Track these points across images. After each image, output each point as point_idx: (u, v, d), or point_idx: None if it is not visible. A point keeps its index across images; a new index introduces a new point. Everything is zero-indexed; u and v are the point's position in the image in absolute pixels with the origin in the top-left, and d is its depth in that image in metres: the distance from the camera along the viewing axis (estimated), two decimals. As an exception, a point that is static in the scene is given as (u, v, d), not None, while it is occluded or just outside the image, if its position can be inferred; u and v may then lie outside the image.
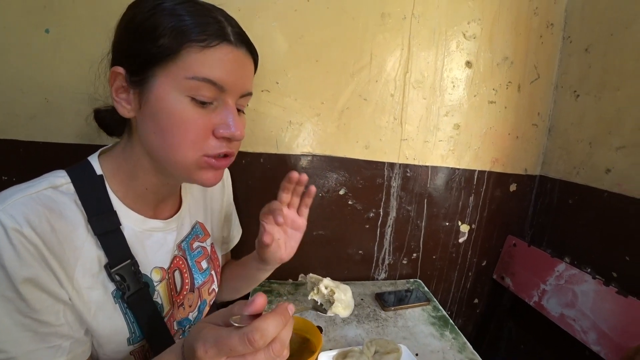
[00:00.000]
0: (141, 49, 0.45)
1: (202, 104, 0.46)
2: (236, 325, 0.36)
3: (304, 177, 0.61)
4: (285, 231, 0.65)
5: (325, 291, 0.60)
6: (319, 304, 0.59)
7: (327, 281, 0.63)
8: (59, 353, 0.46)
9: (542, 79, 1.11)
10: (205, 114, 0.47)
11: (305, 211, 0.65)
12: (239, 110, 0.52)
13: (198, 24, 0.44)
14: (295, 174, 0.60)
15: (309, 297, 0.62)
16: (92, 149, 0.56)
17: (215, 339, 0.35)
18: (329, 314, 0.55)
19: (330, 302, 0.58)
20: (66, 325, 0.46)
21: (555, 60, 1.12)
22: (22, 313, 0.42)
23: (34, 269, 0.42)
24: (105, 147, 0.56)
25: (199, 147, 0.48)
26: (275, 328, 0.35)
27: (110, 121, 0.57)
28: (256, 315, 0.36)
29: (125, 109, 0.48)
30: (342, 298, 0.62)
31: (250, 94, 0.52)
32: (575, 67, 1.06)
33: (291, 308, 0.38)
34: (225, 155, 0.51)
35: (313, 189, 0.63)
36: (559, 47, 1.11)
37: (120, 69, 0.46)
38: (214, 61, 0.45)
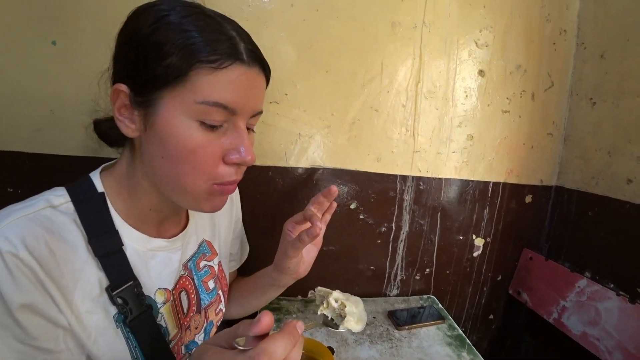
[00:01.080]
0: (145, 69, 0.42)
1: (212, 127, 0.44)
2: (240, 348, 0.33)
3: (337, 192, 0.59)
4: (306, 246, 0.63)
5: (335, 305, 0.58)
6: (329, 318, 0.57)
7: (336, 294, 0.60)
8: None
9: (556, 87, 1.08)
10: (215, 139, 0.44)
11: (323, 228, 0.63)
12: (248, 129, 0.49)
13: (208, 41, 0.41)
14: (335, 188, 0.58)
15: (319, 312, 0.59)
16: (96, 161, 0.55)
17: None
18: (341, 329, 0.52)
19: (342, 317, 0.55)
20: (66, 351, 0.44)
21: (569, 67, 1.09)
22: (20, 340, 0.40)
23: (31, 294, 0.40)
24: (107, 164, 0.54)
25: (209, 175, 0.46)
26: (284, 349, 0.32)
27: (110, 133, 0.54)
28: (263, 336, 0.33)
29: (129, 129, 0.45)
30: (354, 311, 0.59)
31: (261, 112, 0.50)
32: (591, 73, 1.03)
33: (300, 326, 0.35)
34: (234, 181, 0.49)
35: (334, 204, 0.62)
36: (572, 54, 1.08)
37: (123, 87, 0.43)
38: (225, 84, 0.42)
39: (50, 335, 0.42)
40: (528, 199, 1.12)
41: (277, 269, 0.64)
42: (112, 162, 0.54)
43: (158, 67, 0.41)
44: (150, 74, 0.42)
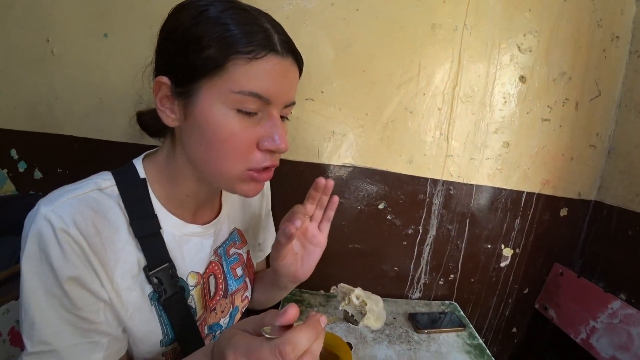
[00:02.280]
0: (186, 61, 0.44)
1: (248, 115, 0.46)
2: (267, 336, 0.35)
3: (330, 183, 0.57)
4: (304, 246, 0.60)
5: (356, 302, 0.58)
6: (350, 314, 0.57)
7: (358, 291, 0.61)
8: (97, 348, 0.47)
9: (604, 97, 1.03)
10: (250, 126, 0.46)
11: (327, 226, 0.60)
12: (282, 117, 0.51)
13: (244, 33, 0.43)
14: (322, 179, 0.56)
15: (340, 308, 0.59)
16: (138, 148, 0.58)
17: (246, 349, 0.35)
18: (360, 326, 0.52)
19: (362, 314, 0.55)
20: (105, 323, 0.48)
21: (620, 77, 1.03)
22: (66, 309, 0.44)
23: (78, 268, 0.44)
24: (149, 151, 0.58)
25: (244, 160, 0.48)
26: (308, 341, 0.34)
27: (152, 124, 0.57)
28: (288, 326, 0.35)
29: (170, 118, 0.48)
30: (374, 309, 0.60)
31: (294, 103, 0.51)
32: (643, 84, 0.98)
33: (323, 320, 0.37)
34: (268, 168, 0.50)
35: (336, 199, 0.58)
36: (624, 62, 1.02)
37: (164, 79, 0.46)
38: (261, 74, 0.44)
39: (93, 307, 0.46)
40: (563, 212, 1.07)
41: (272, 270, 0.62)
42: (153, 150, 0.58)
43: (197, 59, 0.43)
44: (190, 66, 0.44)
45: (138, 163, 0.55)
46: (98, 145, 0.96)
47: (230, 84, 0.43)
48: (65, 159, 0.99)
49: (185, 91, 0.46)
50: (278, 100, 0.47)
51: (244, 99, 0.44)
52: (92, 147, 0.97)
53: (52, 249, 0.42)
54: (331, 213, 0.59)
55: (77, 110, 0.95)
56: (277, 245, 0.55)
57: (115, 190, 0.50)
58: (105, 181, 0.50)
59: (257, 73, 0.44)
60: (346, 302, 0.60)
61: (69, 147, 0.97)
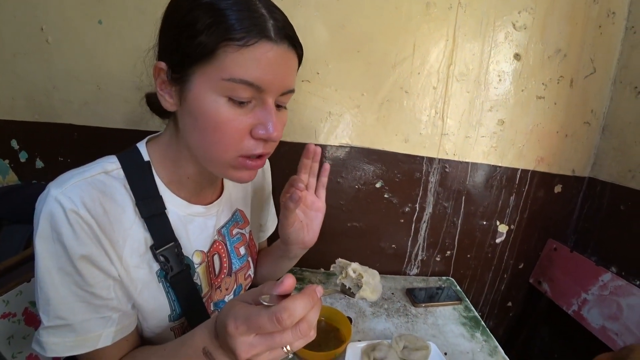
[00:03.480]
0: (180, 47, 0.44)
1: (240, 103, 0.46)
2: (265, 304, 0.37)
3: (319, 150, 0.59)
4: (306, 213, 0.63)
5: (353, 275, 0.60)
6: (347, 287, 0.59)
7: (355, 265, 0.63)
8: (109, 323, 0.50)
9: (599, 74, 1.03)
10: (242, 114, 0.46)
11: (323, 192, 0.64)
12: (279, 106, 0.50)
13: (237, 19, 0.42)
14: (311, 145, 0.59)
15: (338, 281, 0.62)
16: (138, 134, 0.59)
17: (245, 317, 0.37)
18: (357, 297, 0.55)
19: (359, 286, 0.57)
20: (116, 299, 0.50)
21: (615, 53, 1.03)
22: (79, 286, 0.46)
23: (89, 247, 0.46)
24: (153, 135, 0.59)
25: (235, 147, 0.48)
26: (303, 309, 0.36)
27: (159, 106, 0.57)
28: (285, 296, 0.37)
29: (168, 103, 0.49)
30: (370, 282, 0.61)
31: (292, 90, 0.50)
32: (638, 60, 0.98)
33: (319, 290, 0.39)
34: (261, 155, 0.51)
35: (327, 166, 0.62)
36: (620, 39, 1.02)
37: (162, 64, 0.47)
38: (251, 61, 0.43)
39: (104, 284, 0.48)
40: (557, 188, 1.09)
41: (282, 240, 0.66)
42: (156, 134, 0.59)
43: (190, 46, 0.43)
44: (183, 52, 0.44)
45: (142, 146, 0.56)
46: (98, 133, 0.97)
47: (220, 71, 0.43)
48: (65, 147, 1.00)
49: (180, 77, 0.46)
50: (272, 88, 0.46)
51: (234, 87, 0.44)
52: (92, 135, 0.98)
53: (64, 228, 0.44)
54: (325, 180, 0.62)
55: (75, 98, 0.96)
56: (286, 212, 0.58)
57: (120, 172, 0.52)
58: (111, 164, 0.52)
59: (248, 60, 0.43)
60: (343, 275, 0.62)
61: (68, 135, 0.98)
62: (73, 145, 1.00)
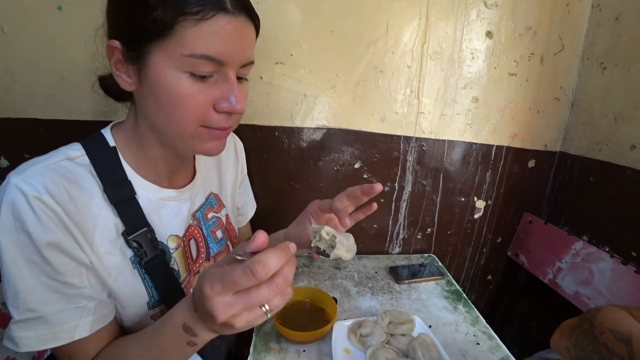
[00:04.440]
0: (134, 24, 0.43)
1: (202, 78, 0.45)
2: (239, 258, 0.37)
3: (379, 188, 0.57)
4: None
5: (326, 237, 0.60)
6: (322, 249, 0.59)
7: (327, 228, 0.63)
8: (85, 313, 0.48)
9: (567, 51, 1.06)
10: (205, 88, 0.46)
11: (349, 224, 0.62)
12: (240, 78, 0.50)
13: None
14: (380, 186, 0.56)
15: (312, 245, 0.62)
16: (108, 124, 0.56)
17: (219, 275, 0.36)
18: (332, 257, 0.56)
19: (332, 247, 0.58)
20: (89, 287, 0.49)
21: (582, 31, 1.06)
22: (48, 275, 0.45)
23: (55, 233, 0.44)
24: (117, 120, 0.57)
25: (197, 119, 0.47)
26: (277, 262, 0.36)
27: (115, 88, 0.55)
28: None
29: (127, 83, 0.47)
30: (344, 242, 0.61)
31: (252, 62, 0.50)
32: (604, 37, 1.01)
33: (293, 246, 0.39)
34: (225, 128, 0.50)
35: (374, 206, 0.59)
36: (587, 16, 1.05)
37: (116, 43, 0.45)
38: (210, 35, 0.43)
39: (75, 272, 0.47)
40: (531, 163, 1.13)
41: (287, 237, 0.66)
42: (121, 120, 0.57)
43: (145, 22, 0.42)
44: (138, 29, 0.43)
45: (107, 132, 0.54)
46: (65, 126, 0.92)
47: (180, 47, 0.42)
48: (31, 143, 0.95)
49: (137, 55, 0.44)
50: (232, 61, 0.46)
51: (195, 62, 0.43)
52: (59, 128, 0.93)
53: (27, 216, 0.42)
54: (362, 216, 0.61)
55: (39, 90, 0.90)
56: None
57: (85, 159, 0.50)
58: (74, 151, 0.50)
59: (206, 34, 0.43)
60: (317, 239, 0.62)
61: (34, 130, 0.93)
62: (39, 141, 0.95)
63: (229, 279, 0.36)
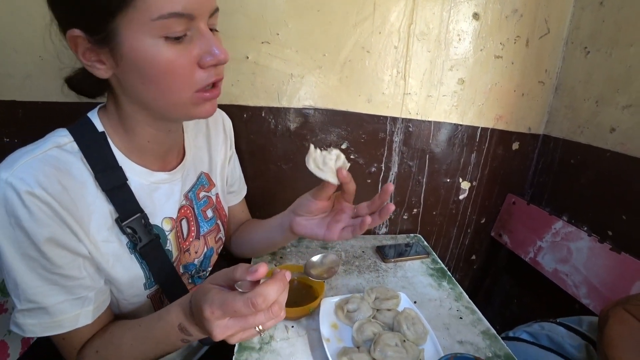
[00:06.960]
0: (90, 4, 0.41)
1: (177, 39, 0.43)
2: (240, 290, 0.40)
3: (391, 188, 0.59)
4: (343, 220, 0.66)
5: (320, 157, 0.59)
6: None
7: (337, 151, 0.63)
8: (86, 303, 0.50)
9: (552, 34, 1.07)
10: (183, 50, 0.44)
11: (359, 230, 0.62)
12: (212, 30, 0.48)
13: None
14: (392, 187, 0.59)
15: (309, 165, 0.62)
16: (91, 106, 0.55)
17: (221, 303, 0.39)
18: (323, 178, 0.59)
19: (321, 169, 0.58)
20: (88, 277, 0.49)
21: (568, 14, 1.07)
22: (47, 269, 0.45)
23: (51, 228, 0.44)
24: (103, 104, 0.56)
25: (189, 84, 0.47)
26: (276, 293, 0.40)
27: (87, 84, 0.53)
28: (257, 282, 0.41)
29: (102, 70, 0.46)
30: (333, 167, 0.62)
31: (217, 9, 0.48)
32: (588, 21, 1.02)
33: (288, 275, 0.43)
34: (215, 84, 0.50)
35: (391, 207, 0.58)
36: (572, 0, 1.06)
37: (76, 32, 0.42)
38: None
39: (74, 264, 0.47)
40: (515, 146, 1.15)
41: (297, 211, 0.67)
42: (105, 103, 0.56)
43: None
44: (96, 8, 0.40)
45: (94, 116, 0.53)
46: (45, 107, 0.89)
47: (146, 12, 0.40)
48: (10, 127, 0.92)
49: (104, 37, 0.42)
50: (201, 12, 0.44)
51: (166, 24, 0.41)
52: (39, 110, 0.89)
53: (21, 212, 0.42)
54: (378, 221, 0.61)
55: (16, 72, 0.86)
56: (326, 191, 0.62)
57: (74, 146, 0.49)
58: (62, 138, 0.49)
59: None
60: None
61: (12, 113, 0.89)
62: (19, 124, 0.91)
63: (230, 307, 0.39)
